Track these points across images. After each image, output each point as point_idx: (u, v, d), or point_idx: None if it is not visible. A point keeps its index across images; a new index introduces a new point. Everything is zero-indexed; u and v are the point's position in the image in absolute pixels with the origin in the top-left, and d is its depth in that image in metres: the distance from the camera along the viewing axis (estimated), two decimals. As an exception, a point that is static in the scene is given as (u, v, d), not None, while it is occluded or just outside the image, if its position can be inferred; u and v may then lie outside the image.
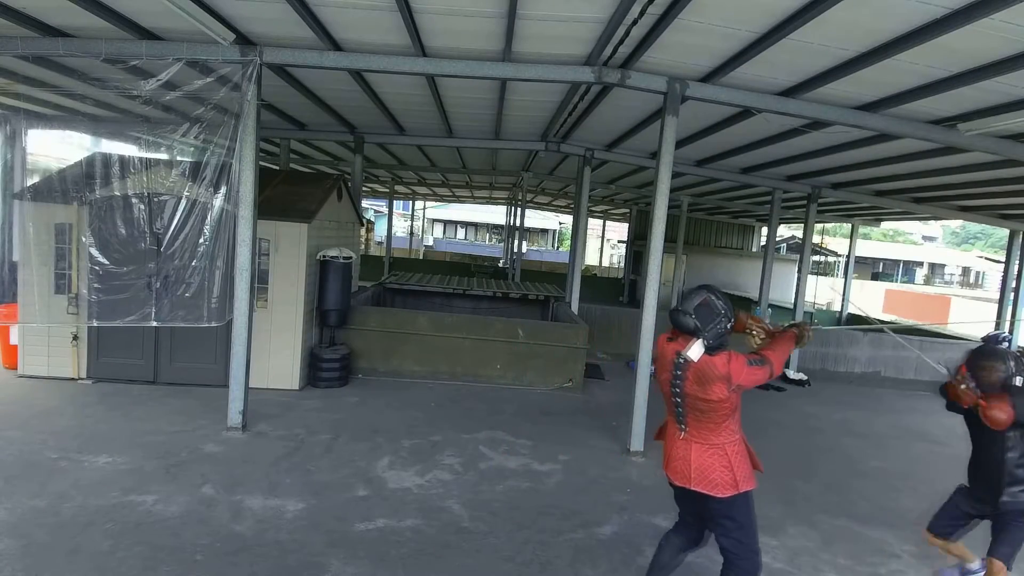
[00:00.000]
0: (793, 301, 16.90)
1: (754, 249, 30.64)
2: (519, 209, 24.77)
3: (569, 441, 8.72)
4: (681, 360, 4.17)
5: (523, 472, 7.45)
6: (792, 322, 4.63)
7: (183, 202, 8.32)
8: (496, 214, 51.54)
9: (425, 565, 5.30)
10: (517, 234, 25.41)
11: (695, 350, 4.10)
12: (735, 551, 4.27)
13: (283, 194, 10.22)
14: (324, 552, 5.36)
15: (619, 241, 51.62)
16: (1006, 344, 15.85)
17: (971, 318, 29.05)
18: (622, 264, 39.13)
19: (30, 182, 13.45)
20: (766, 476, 8.17)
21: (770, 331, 4.62)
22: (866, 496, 7.78)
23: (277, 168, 14.47)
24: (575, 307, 14.38)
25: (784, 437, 10.15)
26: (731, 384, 4.11)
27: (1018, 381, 4.67)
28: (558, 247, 60.04)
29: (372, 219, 45.28)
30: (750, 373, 4.13)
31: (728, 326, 4.18)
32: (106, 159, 9.14)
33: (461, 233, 59.69)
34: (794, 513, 7.09)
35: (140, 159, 9.07)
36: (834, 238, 39.43)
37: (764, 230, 30.55)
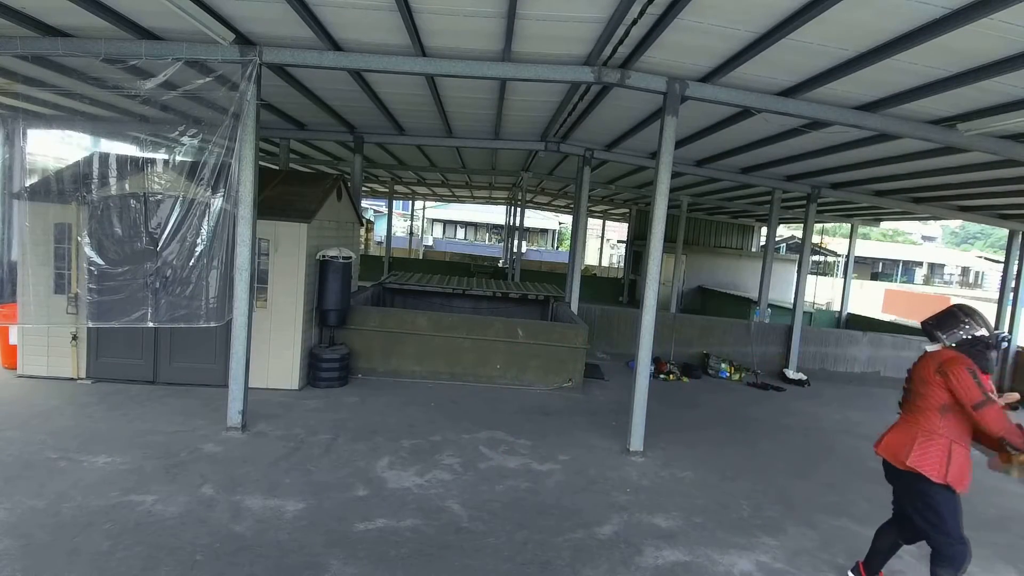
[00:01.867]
0: (793, 301, 16.92)
1: (754, 249, 30.71)
2: (519, 209, 24.76)
3: (569, 441, 8.73)
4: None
5: (523, 472, 7.46)
6: None
7: (180, 202, 8.31)
8: (496, 214, 51.62)
9: (424, 565, 5.30)
10: (517, 234, 25.34)
11: (932, 346, 4.91)
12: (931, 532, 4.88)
13: (283, 194, 10.22)
14: (324, 552, 5.37)
15: (619, 241, 51.67)
16: (1005, 344, 15.80)
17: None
18: (622, 264, 39.17)
19: (29, 182, 13.46)
20: (766, 476, 8.25)
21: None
22: (866, 496, 7.79)
23: (277, 168, 14.45)
24: (575, 307, 14.38)
25: (784, 437, 10.16)
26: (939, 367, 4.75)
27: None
28: (558, 247, 60.05)
29: (372, 219, 45.30)
30: (962, 376, 4.63)
31: (973, 336, 4.78)
32: (104, 159, 9.13)
33: (461, 233, 59.68)
34: (794, 513, 7.11)
35: (138, 159, 9.07)
36: (833, 238, 39.40)
37: (764, 230, 30.59)
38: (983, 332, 4.78)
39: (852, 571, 5.63)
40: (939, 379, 4.69)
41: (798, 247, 24.86)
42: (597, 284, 30.31)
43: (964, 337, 4.78)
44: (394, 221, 40.55)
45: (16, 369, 9.62)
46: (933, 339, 4.91)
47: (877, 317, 26.28)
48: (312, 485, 6.63)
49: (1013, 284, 16.81)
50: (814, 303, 26.86)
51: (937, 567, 4.77)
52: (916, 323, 19.93)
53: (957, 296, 42.68)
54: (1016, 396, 4.88)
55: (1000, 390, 14.22)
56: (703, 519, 6.68)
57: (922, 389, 4.81)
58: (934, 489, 4.72)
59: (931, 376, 4.74)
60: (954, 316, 4.87)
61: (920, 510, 4.83)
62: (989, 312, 19.15)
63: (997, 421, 4.50)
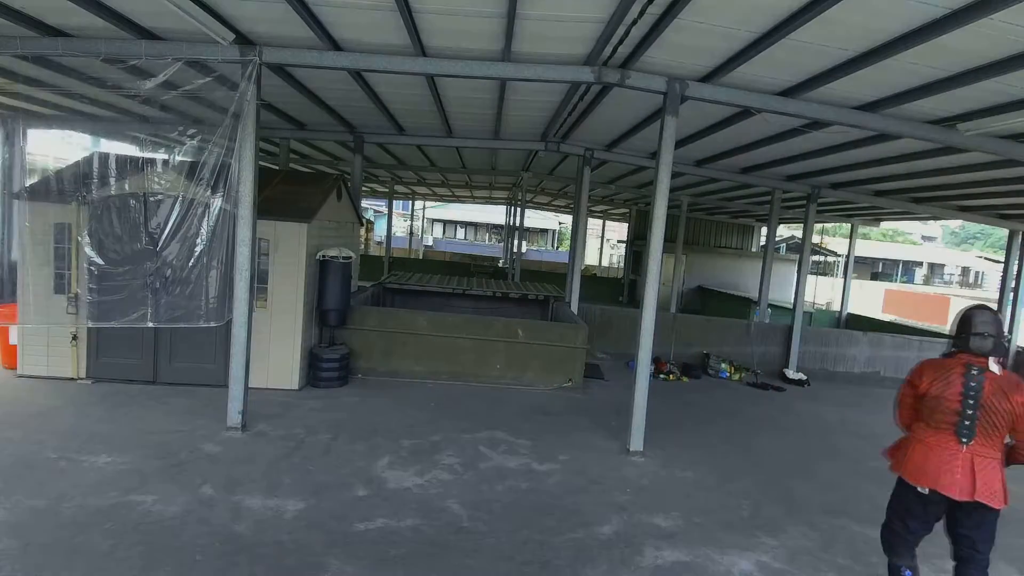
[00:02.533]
0: (792, 301, 16.93)
1: (754, 249, 30.72)
2: (519, 209, 24.77)
3: (568, 441, 8.73)
4: (976, 372, 4.62)
5: (523, 472, 7.46)
6: None
7: (180, 202, 8.31)
8: (496, 214, 51.52)
9: (424, 565, 5.31)
10: (517, 234, 25.42)
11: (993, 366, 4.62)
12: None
13: (283, 194, 10.22)
14: (323, 552, 5.37)
15: (619, 241, 51.63)
16: (1006, 343, 15.76)
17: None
18: (622, 264, 39.17)
19: (29, 182, 13.47)
20: (766, 476, 8.25)
21: None
22: (866, 496, 7.79)
23: (276, 168, 14.46)
24: (575, 307, 14.39)
25: (784, 437, 10.17)
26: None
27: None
28: (558, 247, 60.11)
29: (372, 219, 45.34)
30: None
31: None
32: (104, 159, 9.13)
33: (461, 233, 59.72)
34: (794, 513, 7.11)
35: (138, 159, 9.07)
36: (833, 238, 39.42)
37: (764, 230, 30.58)
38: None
39: None
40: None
41: (798, 247, 24.76)
42: (597, 284, 30.31)
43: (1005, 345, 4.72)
44: (394, 221, 40.66)
45: (16, 369, 9.62)
46: (996, 353, 4.64)
47: (877, 317, 26.30)
48: (312, 485, 6.64)
49: (1013, 284, 16.76)
50: (814, 303, 26.86)
51: None
52: (916, 323, 19.89)
53: (958, 297, 42.59)
54: None
55: None
56: (703, 519, 6.68)
57: (1007, 420, 4.54)
58: (995, 515, 4.68)
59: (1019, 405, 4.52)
60: (998, 321, 4.67)
61: (989, 540, 4.71)
62: None
63: None
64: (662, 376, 13.67)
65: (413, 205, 42.06)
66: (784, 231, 39.38)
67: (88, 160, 9.44)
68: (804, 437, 10.32)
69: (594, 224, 45.44)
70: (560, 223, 58.73)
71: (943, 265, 68.70)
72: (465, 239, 58.95)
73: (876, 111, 8.27)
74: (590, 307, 15.88)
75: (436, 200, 39.92)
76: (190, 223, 8.25)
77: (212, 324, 8.51)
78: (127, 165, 8.98)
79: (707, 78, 8.01)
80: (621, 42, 7.20)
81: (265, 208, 9.35)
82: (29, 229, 9.10)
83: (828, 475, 8.53)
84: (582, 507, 6.69)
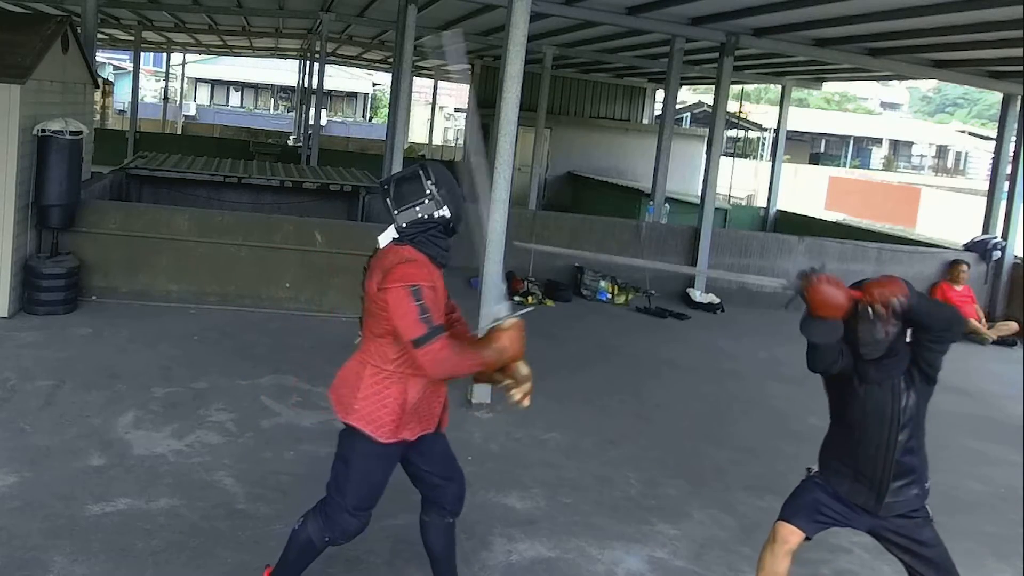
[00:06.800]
0: (700, 194, 16.50)
1: (645, 121, 30.76)
2: (317, 65, 24.13)
3: (382, 388, 8.71)
4: (375, 249, 4.30)
5: (322, 433, 7.26)
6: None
7: None
8: (284, 72, 50.65)
9: (186, 562, 5.18)
10: (314, 100, 24.95)
11: (386, 235, 4.20)
12: (331, 487, 4.42)
13: (-20, 41, 9.51)
14: (43, 545, 5.15)
15: (456, 110, 51.75)
16: (998, 253, 15.25)
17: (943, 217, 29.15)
18: (460, 141, 39.30)
19: None
20: (662, 438, 8.33)
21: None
22: (801, 465, 7.24)
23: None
24: (394, 202, 14.26)
25: (686, 383, 10.27)
26: (384, 282, 4.06)
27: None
28: (371, 118, 59.94)
29: (111, 79, 43.66)
30: (401, 297, 4.00)
31: (435, 215, 4.15)
32: None
33: (236, 98, 58.87)
34: (702, 491, 7.05)
35: None
36: (757, 105, 39.99)
37: (659, 94, 30.44)
38: (446, 212, 4.22)
39: None
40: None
41: (708, 118, 24.99)
42: (427, 169, 30.26)
43: (420, 217, 4.18)
44: (142, 82, 38.80)
45: None
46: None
47: (818, 216, 25.82)
48: (27, 451, 6.36)
49: (1008, 170, 15.64)
50: (730, 197, 26.51)
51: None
52: (874, 224, 19.26)
53: (931, 187, 40.82)
54: (1014, 326, 4.76)
55: (992, 316, 14.82)
56: (575, 499, 6.68)
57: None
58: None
59: (372, 287, 4.22)
60: (414, 181, 4.24)
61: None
62: (977, 208, 19.08)
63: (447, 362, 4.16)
64: (518, 299, 13.46)
65: (169, 59, 40.74)
66: (688, 96, 39.71)
67: None
68: (715, 383, 10.33)
69: (423, 86, 44.99)
70: (375, 85, 58.39)
71: (911, 143, 66.05)
72: (242, 107, 58.18)
73: None
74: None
75: (201, 52, 38.95)
76: None
77: None
78: None
79: None
80: None
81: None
82: None
83: (748, 437, 8.52)
84: (405, 483, 6.52)
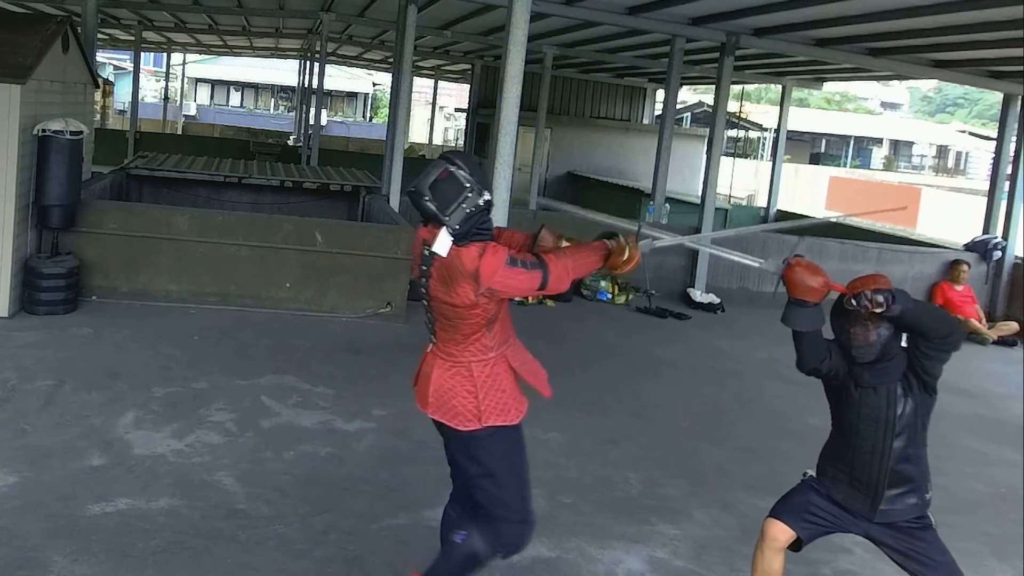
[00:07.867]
0: (701, 194, 16.56)
1: (645, 121, 30.75)
2: (317, 65, 24.16)
3: (387, 389, 8.63)
4: (428, 253, 4.27)
5: (323, 433, 7.36)
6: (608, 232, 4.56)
7: None
8: (285, 72, 50.56)
9: (185, 563, 5.18)
10: (315, 100, 24.96)
11: (442, 242, 4.16)
12: (488, 505, 4.37)
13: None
14: (43, 545, 5.14)
15: (457, 110, 51.74)
16: (998, 253, 15.25)
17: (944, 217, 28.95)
18: (461, 141, 39.28)
19: None
20: (663, 439, 8.35)
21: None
22: (801, 466, 7.43)
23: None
24: (395, 202, 14.23)
25: (686, 383, 10.30)
26: (479, 286, 4.09)
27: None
28: (372, 118, 59.93)
29: (111, 79, 43.54)
30: (508, 275, 4.10)
31: (480, 203, 4.18)
32: None
33: (236, 98, 58.88)
34: (702, 491, 7.09)
35: None
36: (758, 105, 39.94)
37: (660, 94, 30.45)
38: (487, 195, 4.24)
39: None
40: (485, 302, 4.19)
41: (708, 118, 24.94)
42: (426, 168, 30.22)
43: (468, 212, 4.14)
44: (143, 82, 38.85)
45: None
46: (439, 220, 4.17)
47: (818, 216, 25.75)
48: (27, 451, 6.35)
49: (1009, 170, 15.72)
50: (730, 197, 26.54)
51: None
52: (874, 224, 19.18)
53: (932, 187, 40.57)
54: (1014, 326, 4.73)
55: (992, 316, 14.81)
56: (575, 499, 6.69)
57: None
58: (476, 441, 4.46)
59: (470, 295, 4.15)
60: (452, 180, 4.19)
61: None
62: (977, 208, 18.71)
63: (561, 276, 4.24)
64: (518, 299, 13.55)
65: (169, 59, 40.67)
66: (688, 96, 39.68)
67: None
68: (715, 383, 10.38)
69: (423, 86, 45.04)
70: (375, 85, 58.41)
71: (911, 143, 65.90)
72: (242, 107, 58.16)
73: None
74: (417, 202, 15.89)
75: (202, 52, 38.91)
76: None
77: None
78: None
79: None
80: None
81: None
82: None
83: (748, 437, 8.57)
84: (406, 482, 6.64)
